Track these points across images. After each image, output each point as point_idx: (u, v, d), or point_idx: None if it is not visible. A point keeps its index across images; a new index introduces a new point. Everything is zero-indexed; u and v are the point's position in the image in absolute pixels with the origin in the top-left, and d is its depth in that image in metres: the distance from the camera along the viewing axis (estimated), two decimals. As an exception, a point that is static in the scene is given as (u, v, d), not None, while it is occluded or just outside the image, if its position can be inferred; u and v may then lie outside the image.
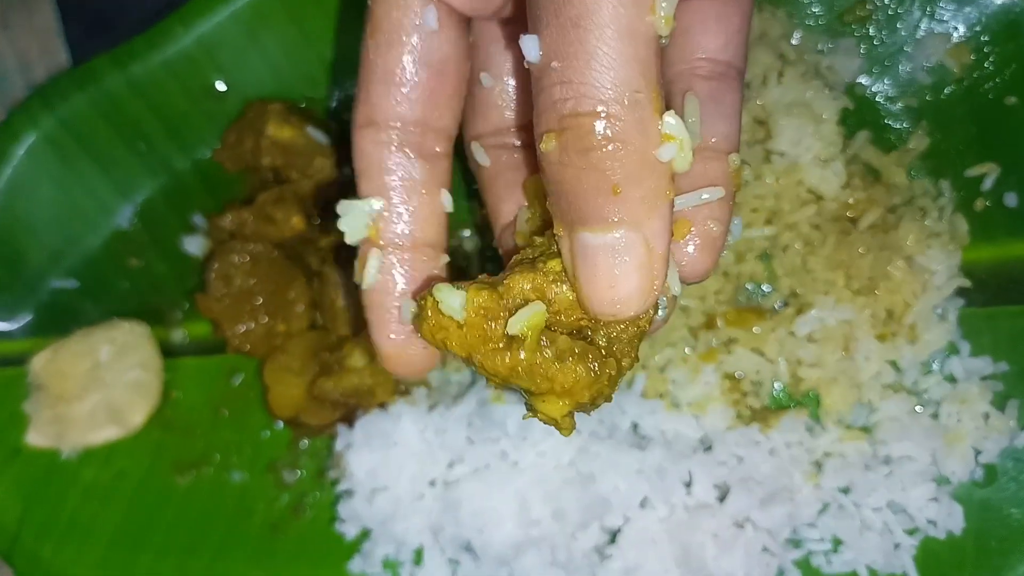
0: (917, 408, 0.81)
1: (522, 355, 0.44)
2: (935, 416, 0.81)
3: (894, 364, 0.82)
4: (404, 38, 0.51)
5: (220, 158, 0.89)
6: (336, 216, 0.53)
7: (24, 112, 0.90)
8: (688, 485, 0.80)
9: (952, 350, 0.83)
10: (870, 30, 0.86)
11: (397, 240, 0.53)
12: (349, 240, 0.54)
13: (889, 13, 0.86)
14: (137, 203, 0.93)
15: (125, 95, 0.89)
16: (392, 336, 0.54)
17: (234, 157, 0.88)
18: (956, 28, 0.85)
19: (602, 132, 0.40)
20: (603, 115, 0.40)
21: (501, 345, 0.45)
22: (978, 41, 0.85)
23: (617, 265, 0.43)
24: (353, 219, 0.53)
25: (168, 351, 0.93)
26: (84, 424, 0.89)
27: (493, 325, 0.44)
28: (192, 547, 0.89)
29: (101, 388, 0.89)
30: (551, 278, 0.45)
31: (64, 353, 0.90)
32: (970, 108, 0.85)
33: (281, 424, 0.90)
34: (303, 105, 0.90)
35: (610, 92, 0.40)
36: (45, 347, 0.91)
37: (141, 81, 0.89)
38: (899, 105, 0.86)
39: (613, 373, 0.46)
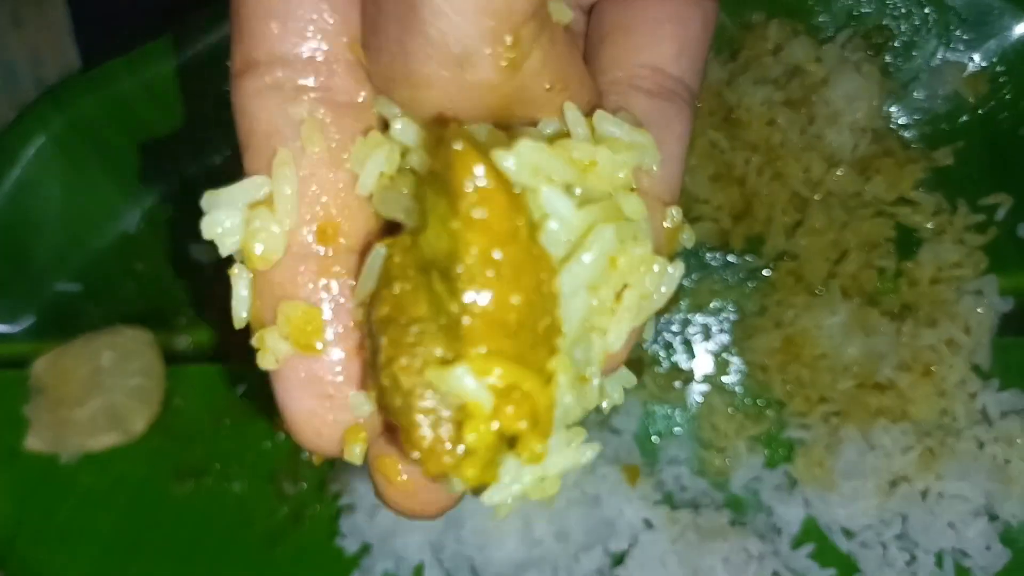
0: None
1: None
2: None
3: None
4: None
5: (231, 166, 0.88)
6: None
7: (35, 112, 0.89)
8: (697, 508, 0.80)
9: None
10: (887, 57, 0.86)
11: (302, 246, 0.33)
12: (224, 251, 0.34)
13: (905, 40, 0.86)
14: (145, 208, 0.92)
15: (138, 99, 0.89)
16: (309, 402, 0.33)
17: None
18: (972, 58, 0.85)
19: None
20: None
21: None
22: (994, 71, 0.85)
23: None
24: (225, 215, 0.33)
25: (171, 357, 0.92)
26: (84, 430, 0.88)
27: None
28: (188, 557, 0.88)
29: (102, 394, 0.88)
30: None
31: (66, 357, 0.89)
32: (984, 138, 0.84)
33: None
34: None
35: None
36: (47, 350, 0.90)
37: (154, 86, 0.89)
38: (914, 133, 0.86)
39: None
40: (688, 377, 0.85)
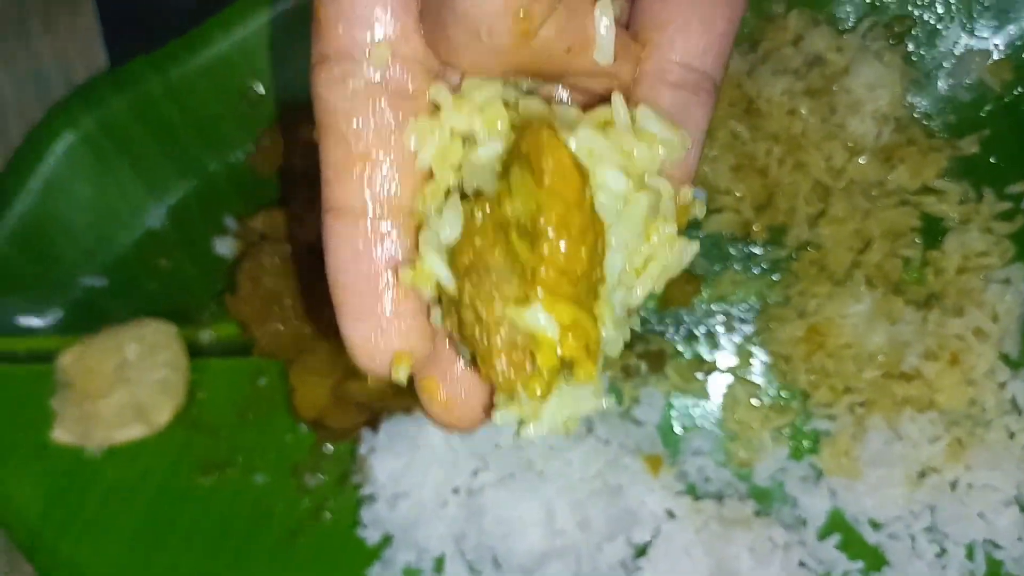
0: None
1: None
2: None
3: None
4: None
5: (254, 161, 0.89)
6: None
7: (63, 112, 0.91)
8: (721, 498, 0.79)
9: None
10: (909, 46, 0.86)
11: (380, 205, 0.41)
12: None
13: (928, 29, 0.86)
14: (170, 204, 0.93)
15: (162, 98, 0.90)
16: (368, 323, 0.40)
17: (267, 160, 0.88)
18: (996, 45, 0.84)
19: None
20: None
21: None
22: (1019, 58, 0.84)
23: None
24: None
25: (195, 351, 0.93)
26: (110, 422, 0.89)
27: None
28: (211, 550, 0.88)
29: (128, 386, 0.89)
30: None
31: (92, 351, 0.90)
32: (1010, 126, 0.84)
33: (305, 427, 0.90)
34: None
35: None
36: (73, 344, 0.91)
37: (178, 84, 0.90)
38: (938, 122, 0.85)
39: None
40: (711, 368, 0.85)
